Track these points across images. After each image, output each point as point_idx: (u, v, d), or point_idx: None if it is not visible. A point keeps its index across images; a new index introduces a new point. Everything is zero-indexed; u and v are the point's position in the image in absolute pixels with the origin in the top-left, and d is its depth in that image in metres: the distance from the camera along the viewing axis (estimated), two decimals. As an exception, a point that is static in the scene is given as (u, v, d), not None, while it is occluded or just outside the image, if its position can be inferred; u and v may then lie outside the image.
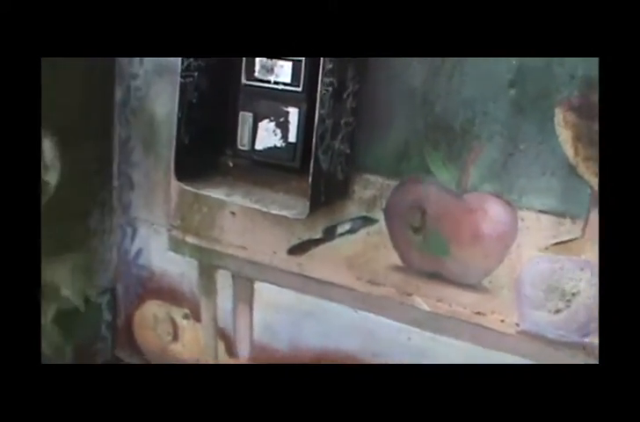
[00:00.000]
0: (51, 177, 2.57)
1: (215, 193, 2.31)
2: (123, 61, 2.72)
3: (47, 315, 2.74)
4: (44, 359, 1.80)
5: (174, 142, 2.25)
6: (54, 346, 2.79)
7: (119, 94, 2.77)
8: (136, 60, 2.68)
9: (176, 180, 2.33)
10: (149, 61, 2.66)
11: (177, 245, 2.84)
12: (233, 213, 2.62)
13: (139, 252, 2.97)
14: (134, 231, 2.94)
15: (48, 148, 2.51)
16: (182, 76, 2.18)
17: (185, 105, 2.23)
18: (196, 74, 2.23)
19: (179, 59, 2.16)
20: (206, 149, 2.35)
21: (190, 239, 2.77)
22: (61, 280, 2.76)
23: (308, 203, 2.07)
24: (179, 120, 2.23)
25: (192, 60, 2.18)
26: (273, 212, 2.18)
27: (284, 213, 2.15)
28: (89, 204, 2.79)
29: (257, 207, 2.24)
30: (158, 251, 2.91)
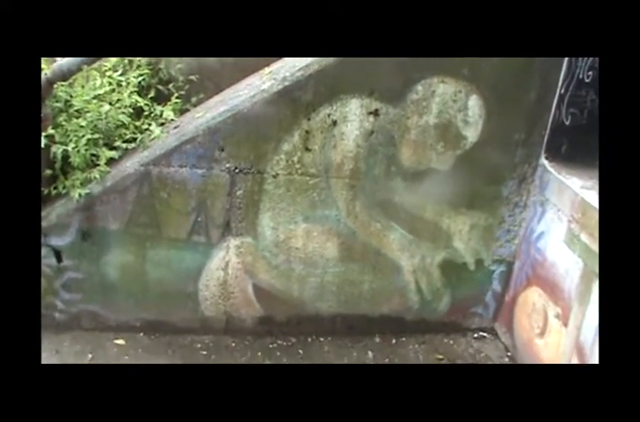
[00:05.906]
0: (471, 133, 2.68)
1: (570, 181, 2.08)
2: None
3: (435, 258, 2.98)
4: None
5: (550, 119, 2.10)
6: (432, 288, 3.03)
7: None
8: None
9: (544, 158, 2.16)
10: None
11: (571, 240, 2.63)
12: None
13: (541, 235, 2.87)
14: (543, 213, 2.83)
15: (475, 105, 2.60)
16: (574, 51, 2.00)
17: (571, 82, 2.05)
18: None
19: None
20: (587, 136, 2.10)
21: (584, 237, 2.53)
22: (456, 231, 2.92)
23: None
24: (561, 96, 2.07)
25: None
26: None
27: None
28: (506, 172, 2.80)
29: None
30: (556, 239, 2.75)
